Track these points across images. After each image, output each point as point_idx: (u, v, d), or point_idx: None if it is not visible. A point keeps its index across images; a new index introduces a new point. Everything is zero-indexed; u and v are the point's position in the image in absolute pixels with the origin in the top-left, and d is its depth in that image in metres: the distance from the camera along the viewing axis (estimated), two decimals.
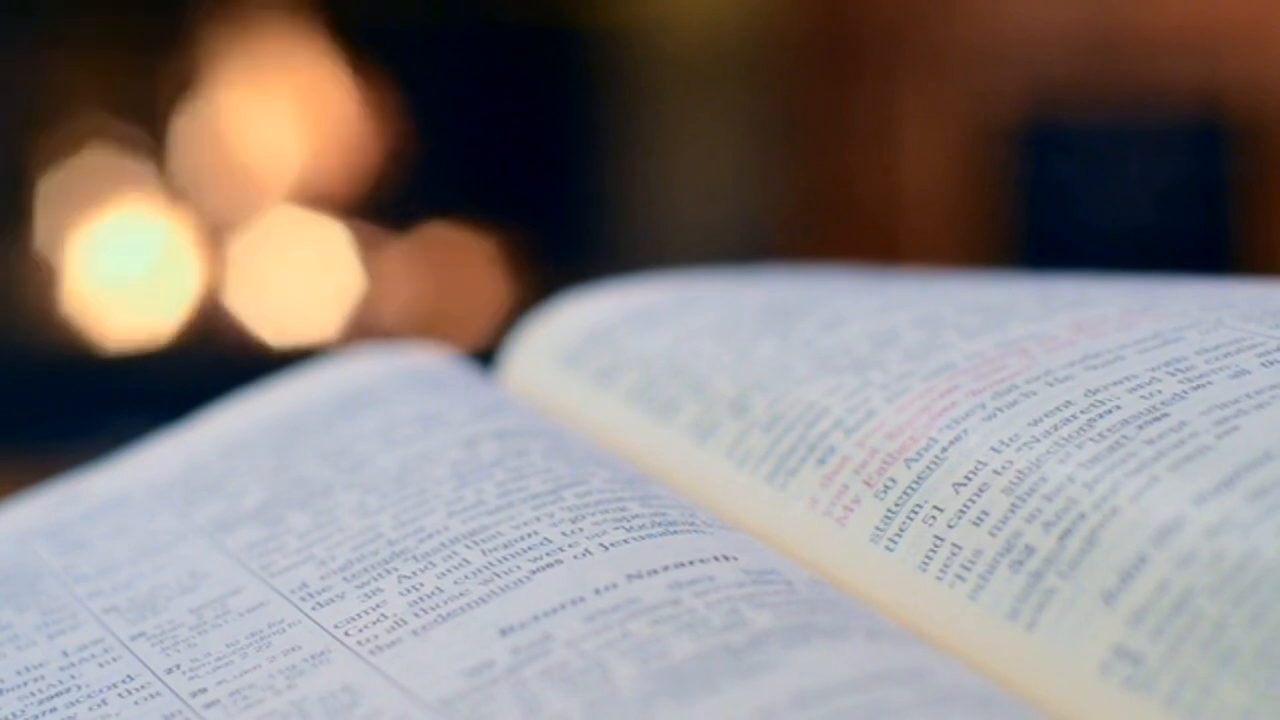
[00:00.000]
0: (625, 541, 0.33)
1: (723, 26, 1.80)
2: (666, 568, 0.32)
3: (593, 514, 0.34)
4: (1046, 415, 0.33)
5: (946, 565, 0.32)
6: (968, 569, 0.31)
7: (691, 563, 0.32)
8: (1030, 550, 0.31)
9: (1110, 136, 1.76)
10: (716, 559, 0.32)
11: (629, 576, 0.31)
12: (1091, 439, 0.32)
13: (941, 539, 0.32)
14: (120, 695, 0.33)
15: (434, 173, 1.80)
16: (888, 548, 0.33)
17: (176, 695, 0.32)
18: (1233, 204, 1.75)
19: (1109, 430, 0.32)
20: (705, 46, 1.79)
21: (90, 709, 0.32)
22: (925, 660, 0.29)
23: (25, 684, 0.34)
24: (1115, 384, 0.33)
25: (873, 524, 0.33)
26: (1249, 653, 0.27)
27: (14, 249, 1.72)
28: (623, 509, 0.34)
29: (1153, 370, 0.34)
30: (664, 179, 1.81)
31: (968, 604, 0.31)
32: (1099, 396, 0.33)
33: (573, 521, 0.34)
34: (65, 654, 0.34)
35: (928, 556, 0.32)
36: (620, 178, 1.82)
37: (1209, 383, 0.33)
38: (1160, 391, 0.33)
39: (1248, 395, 0.32)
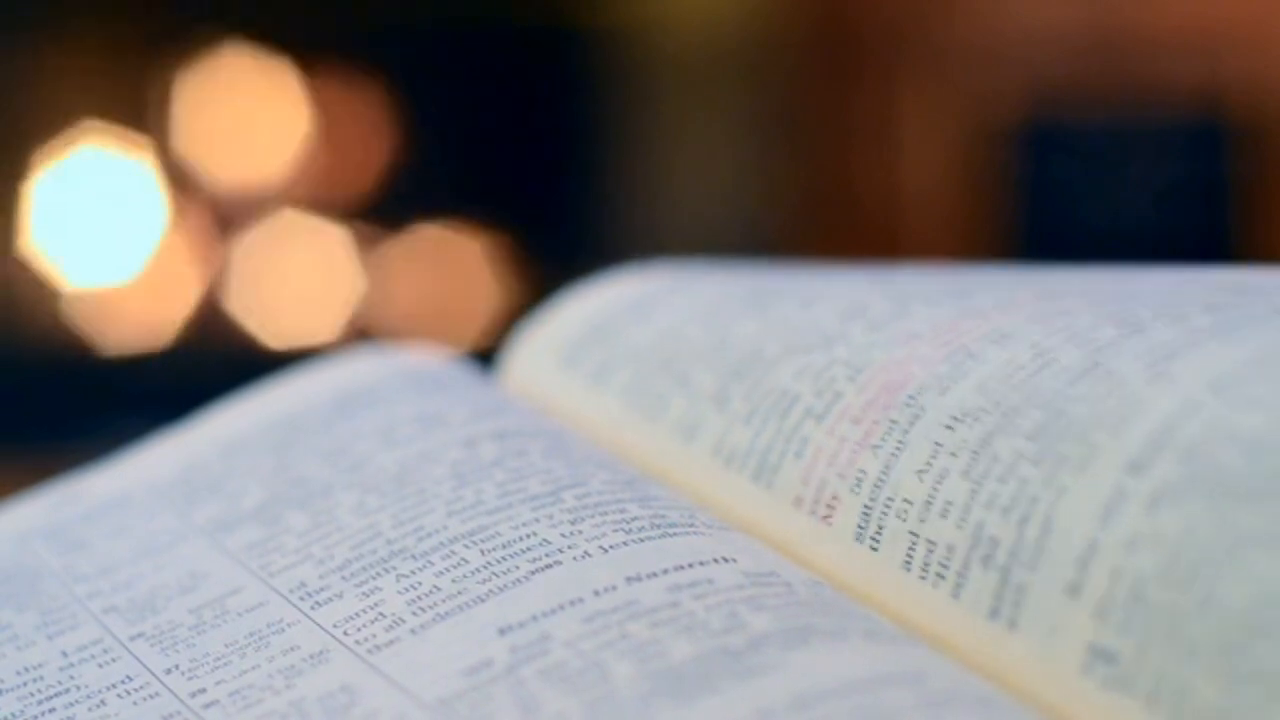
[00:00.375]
0: (625, 544, 0.33)
1: (723, 26, 1.80)
2: (666, 570, 0.32)
3: (592, 516, 0.34)
4: (992, 378, 0.33)
5: (926, 564, 0.31)
6: (945, 566, 0.31)
7: (691, 565, 0.32)
8: (995, 542, 0.30)
9: (1110, 136, 1.76)
10: (716, 561, 0.32)
11: (628, 579, 0.31)
12: (1034, 404, 0.32)
13: (917, 535, 0.32)
14: (119, 695, 0.33)
15: (434, 173, 1.80)
16: (872, 547, 0.33)
17: (175, 695, 0.32)
18: (1233, 204, 1.74)
19: (1048, 390, 0.32)
20: (705, 46, 1.79)
21: (89, 709, 0.32)
22: (924, 662, 0.29)
23: (25, 684, 0.34)
24: (1057, 333, 0.33)
25: (854, 522, 0.33)
26: (1209, 645, 0.27)
27: (13, 249, 1.72)
28: (622, 510, 0.34)
29: (1096, 321, 0.33)
30: (664, 179, 1.81)
31: (952, 604, 0.31)
32: (1040, 349, 0.33)
33: (572, 523, 0.34)
34: (64, 654, 0.34)
35: (908, 555, 0.32)
36: (620, 177, 1.82)
37: (1146, 328, 0.32)
38: (1097, 339, 0.32)
39: (1180, 337, 0.31)
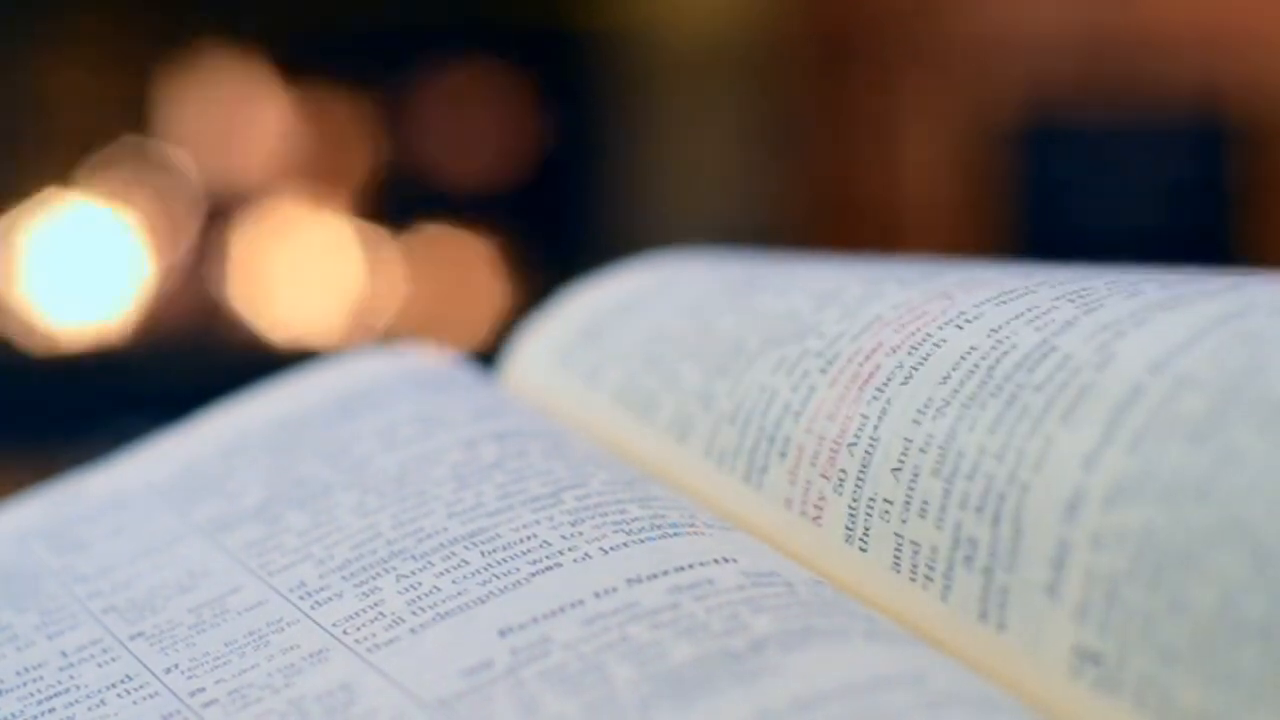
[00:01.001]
0: (625, 545, 0.33)
1: (722, 27, 1.80)
2: (666, 572, 0.32)
3: (592, 517, 0.34)
4: (954, 368, 0.33)
5: (915, 566, 0.31)
6: (932, 568, 0.31)
7: (691, 566, 0.32)
8: (974, 543, 0.30)
9: (1110, 136, 1.76)
10: (716, 561, 0.32)
11: (628, 580, 0.31)
12: (991, 392, 0.31)
13: (901, 536, 0.32)
14: (119, 695, 0.33)
15: (435, 173, 1.80)
16: (861, 548, 0.33)
17: (175, 695, 0.32)
18: (1233, 204, 1.75)
19: (1006, 378, 0.31)
20: (705, 47, 1.79)
21: (89, 709, 0.32)
22: (924, 662, 0.29)
23: (25, 684, 0.34)
24: (1016, 318, 0.33)
25: (842, 523, 0.33)
26: (1185, 645, 0.26)
27: (13, 249, 1.72)
28: (622, 511, 0.34)
29: (1055, 299, 0.33)
30: (664, 179, 1.81)
31: (942, 607, 0.31)
32: (1000, 335, 0.32)
33: (572, 525, 0.34)
34: (64, 654, 0.34)
35: (896, 556, 0.32)
36: (621, 178, 1.82)
37: (1101, 305, 0.32)
38: (1054, 320, 0.32)
39: (1131, 314, 0.31)
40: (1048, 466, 0.29)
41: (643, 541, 0.33)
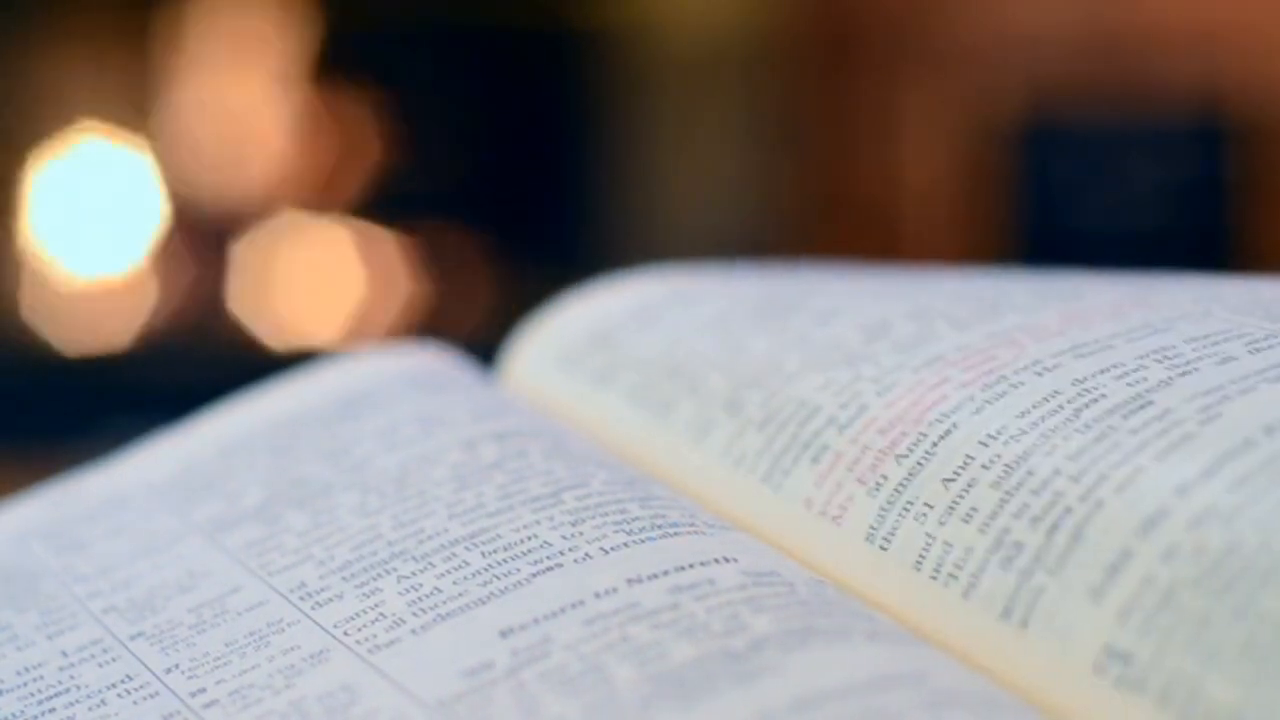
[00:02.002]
0: (625, 545, 0.33)
1: (722, 27, 1.80)
2: (666, 571, 0.32)
3: (593, 517, 0.34)
4: (1034, 406, 0.33)
5: (939, 564, 0.32)
6: (960, 567, 0.31)
7: (692, 565, 0.32)
8: (1019, 547, 0.31)
9: (1110, 136, 1.76)
10: (717, 561, 0.32)
11: (629, 580, 0.31)
12: (1078, 430, 0.32)
13: (933, 536, 0.32)
14: (119, 695, 0.33)
15: (434, 174, 1.80)
16: (882, 547, 0.33)
17: (175, 695, 0.32)
18: (1232, 204, 1.75)
19: (1095, 420, 0.32)
20: (705, 47, 1.79)
21: (89, 709, 0.32)
22: (925, 662, 0.29)
23: (25, 684, 0.34)
24: (1102, 372, 0.34)
25: (867, 523, 0.33)
26: (1234, 649, 0.27)
27: (11, 248, 1.72)
28: (623, 511, 0.34)
29: (1140, 358, 0.34)
30: (664, 179, 1.81)
31: (961, 604, 0.31)
32: (1086, 385, 0.33)
33: (573, 525, 0.34)
34: (64, 654, 0.34)
35: (921, 555, 0.32)
36: (620, 178, 1.82)
37: (1195, 369, 0.33)
38: (1146, 379, 0.33)
39: (1232, 381, 0.32)
40: (1132, 490, 0.30)
41: (643, 541, 0.33)
